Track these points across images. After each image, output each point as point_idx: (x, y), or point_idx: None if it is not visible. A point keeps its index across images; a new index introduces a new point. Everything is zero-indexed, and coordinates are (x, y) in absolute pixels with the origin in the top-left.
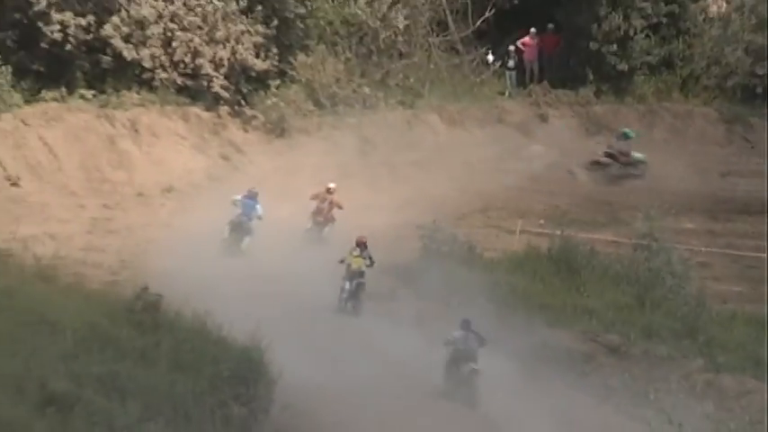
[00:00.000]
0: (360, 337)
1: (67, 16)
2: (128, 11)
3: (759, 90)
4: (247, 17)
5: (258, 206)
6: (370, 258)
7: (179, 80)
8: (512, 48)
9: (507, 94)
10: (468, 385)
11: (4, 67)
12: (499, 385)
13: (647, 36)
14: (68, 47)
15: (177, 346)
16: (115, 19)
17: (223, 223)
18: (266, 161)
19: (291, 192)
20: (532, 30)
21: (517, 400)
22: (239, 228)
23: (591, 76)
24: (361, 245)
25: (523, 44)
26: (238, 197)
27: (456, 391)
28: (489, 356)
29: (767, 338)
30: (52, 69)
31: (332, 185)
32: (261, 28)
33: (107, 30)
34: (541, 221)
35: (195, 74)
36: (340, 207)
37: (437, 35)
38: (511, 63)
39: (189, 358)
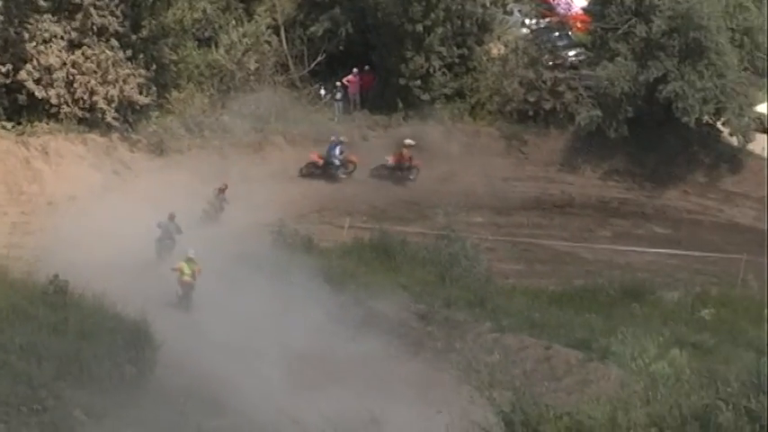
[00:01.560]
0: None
1: None
2: (38, 59)
3: (531, 113)
4: (132, 63)
5: (176, 226)
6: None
7: (79, 113)
8: (338, 84)
9: (336, 119)
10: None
11: None
12: (333, 344)
13: (444, 73)
14: None
15: (82, 320)
16: (28, 66)
17: (114, 223)
18: (149, 175)
19: (170, 197)
20: (354, 69)
21: (347, 357)
22: (164, 247)
23: (401, 105)
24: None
25: (348, 81)
26: (162, 221)
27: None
28: (325, 324)
29: None
30: None
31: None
32: (143, 71)
33: (22, 74)
34: (364, 218)
35: (92, 108)
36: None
37: (281, 75)
38: (338, 95)
39: (91, 329)
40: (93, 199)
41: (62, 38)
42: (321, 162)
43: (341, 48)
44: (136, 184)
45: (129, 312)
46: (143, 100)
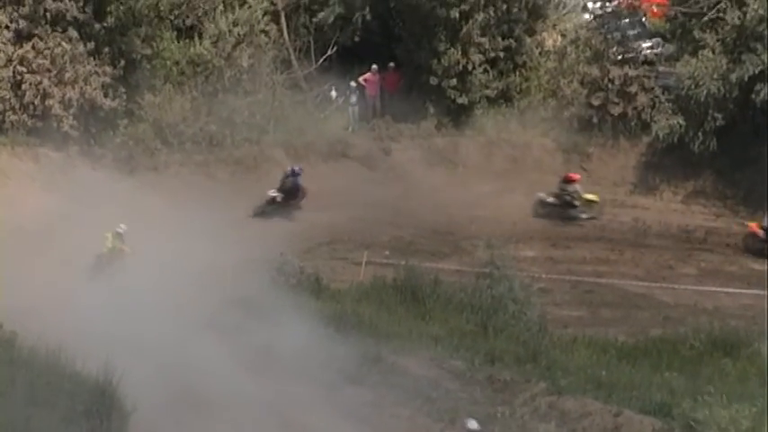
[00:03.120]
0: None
1: None
2: None
3: (595, 120)
4: (95, 59)
5: None
6: None
7: (29, 122)
8: (354, 84)
9: (351, 128)
10: None
11: None
12: (350, 412)
13: (485, 70)
14: None
15: (32, 381)
16: None
17: (73, 262)
18: (115, 200)
19: (142, 229)
20: (374, 66)
21: (365, 429)
22: None
23: (432, 110)
24: None
25: (365, 80)
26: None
27: None
28: (340, 384)
29: None
30: None
31: None
32: (108, 69)
33: None
34: (386, 252)
35: (45, 115)
36: None
37: (281, 73)
38: (353, 99)
39: (44, 393)
40: (45, 231)
41: (7, 27)
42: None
43: (356, 39)
44: (99, 211)
45: (91, 370)
46: (109, 104)
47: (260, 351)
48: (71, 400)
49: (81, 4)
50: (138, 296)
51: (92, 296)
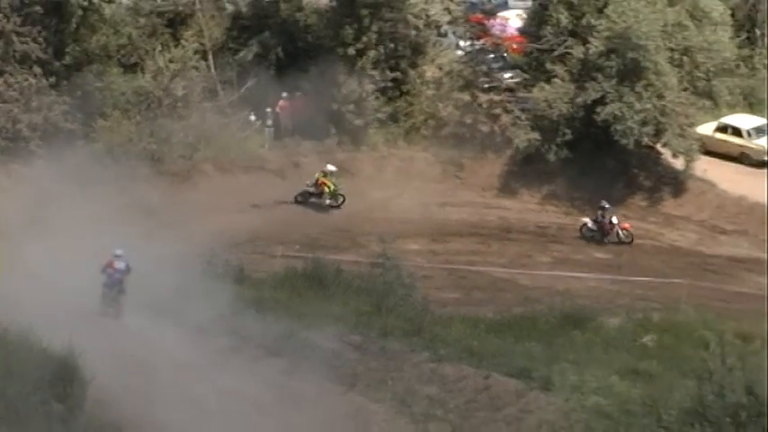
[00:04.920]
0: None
1: None
2: None
3: (467, 137)
4: (56, 90)
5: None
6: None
7: (2, 143)
8: (269, 109)
9: (266, 146)
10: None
11: None
12: (267, 378)
13: (377, 97)
14: None
15: (7, 356)
16: None
17: (42, 257)
18: (76, 207)
19: (96, 231)
20: (284, 94)
21: (281, 392)
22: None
23: (333, 130)
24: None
25: (280, 107)
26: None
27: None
28: (259, 356)
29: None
30: None
31: None
32: (67, 98)
33: None
34: (297, 247)
35: (15, 137)
36: None
37: (209, 100)
38: (269, 122)
39: (17, 367)
40: (16, 233)
41: None
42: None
43: (271, 72)
44: (62, 216)
45: (55, 347)
46: (68, 127)
47: (193, 329)
48: (40, 371)
49: (43, 46)
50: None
51: (61, 282)
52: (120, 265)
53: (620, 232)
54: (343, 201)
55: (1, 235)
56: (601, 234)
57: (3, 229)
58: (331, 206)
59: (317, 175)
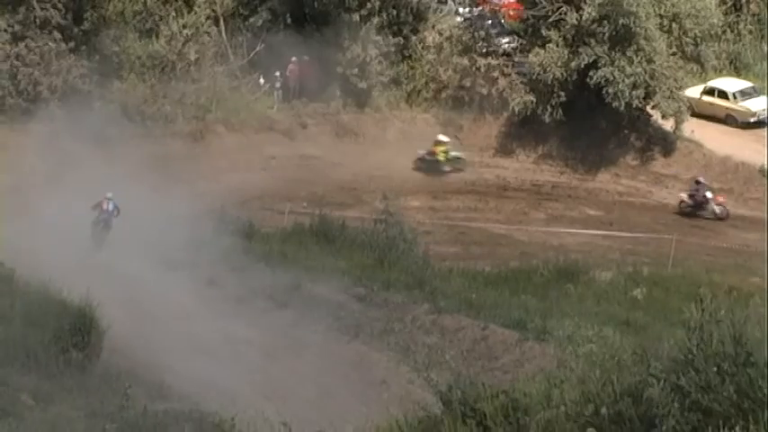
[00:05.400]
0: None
1: None
2: None
3: (466, 99)
4: (75, 54)
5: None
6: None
7: (23, 104)
8: (277, 73)
9: (275, 108)
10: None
11: None
12: (274, 327)
13: (380, 62)
14: None
15: (28, 307)
16: None
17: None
18: (92, 165)
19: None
20: (293, 58)
21: (289, 341)
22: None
23: (338, 93)
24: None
25: (289, 71)
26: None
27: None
28: (268, 307)
29: None
30: None
31: None
32: (86, 62)
33: None
34: (304, 204)
35: (36, 99)
36: None
37: (220, 65)
38: (277, 85)
39: (37, 316)
40: (37, 189)
41: (5, 31)
42: None
43: (280, 37)
44: (80, 173)
45: (74, 299)
46: (86, 89)
47: (204, 281)
48: (59, 321)
49: (63, 12)
50: (111, 239)
51: (79, 237)
52: (108, 206)
53: (714, 207)
54: (462, 162)
55: (22, 191)
56: (696, 208)
57: (24, 186)
58: (449, 171)
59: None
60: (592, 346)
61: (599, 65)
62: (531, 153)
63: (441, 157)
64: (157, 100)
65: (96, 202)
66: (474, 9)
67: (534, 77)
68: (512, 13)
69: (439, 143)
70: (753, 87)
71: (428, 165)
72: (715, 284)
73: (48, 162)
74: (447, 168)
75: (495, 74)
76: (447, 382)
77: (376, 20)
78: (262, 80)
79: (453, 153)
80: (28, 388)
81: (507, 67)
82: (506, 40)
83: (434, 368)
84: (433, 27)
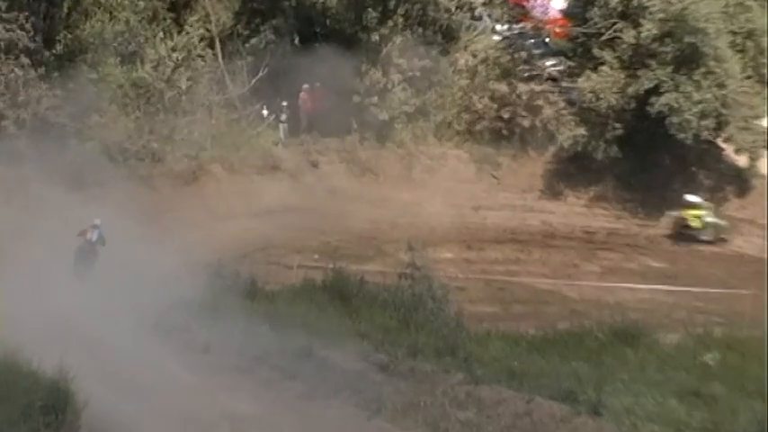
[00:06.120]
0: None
1: None
2: None
3: (504, 132)
4: (46, 82)
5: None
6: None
7: None
8: (285, 103)
9: (281, 144)
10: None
11: None
12: (285, 404)
13: (404, 88)
14: None
15: None
16: None
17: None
18: (66, 211)
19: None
20: (305, 85)
21: (299, 418)
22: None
23: (355, 125)
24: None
25: (302, 100)
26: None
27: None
28: (274, 379)
29: None
30: None
31: None
32: (59, 92)
33: None
34: (316, 256)
35: (0, 135)
36: None
37: (216, 94)
38: (283, 116)
39: (3, 391)
40: (2, 243)
41: None
42: None
43: (286, 61)
44: (53, 223)
45: (46, 370)
46: (60, 123)
47: (201, 348)
48: (29, 396)
49: (31, 33)
50: (93, 298)
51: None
52: (93, 236)
53: None
54: (725, 229)
55: None
56: None
57: None
58: (710, 242)
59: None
60: (655, 422)
61: (661, 90)
62: (582, 195)
63: (695, 223)
64: (143, 136)
65: (82, 228)
66: (514, 26)
67: (585, 106)
68: (558, 30)
69: (691, 206)
70: None
71: (681, 234)
72: None
73: (15, 210)
74: (707, 237)
75: (539, 102)
76: None
77: (399, 40)
78: (265, 111)
79: (710, 219)
80: None
81: (553, 94)
82: (552, 62)
83: None
84: (466, 48)
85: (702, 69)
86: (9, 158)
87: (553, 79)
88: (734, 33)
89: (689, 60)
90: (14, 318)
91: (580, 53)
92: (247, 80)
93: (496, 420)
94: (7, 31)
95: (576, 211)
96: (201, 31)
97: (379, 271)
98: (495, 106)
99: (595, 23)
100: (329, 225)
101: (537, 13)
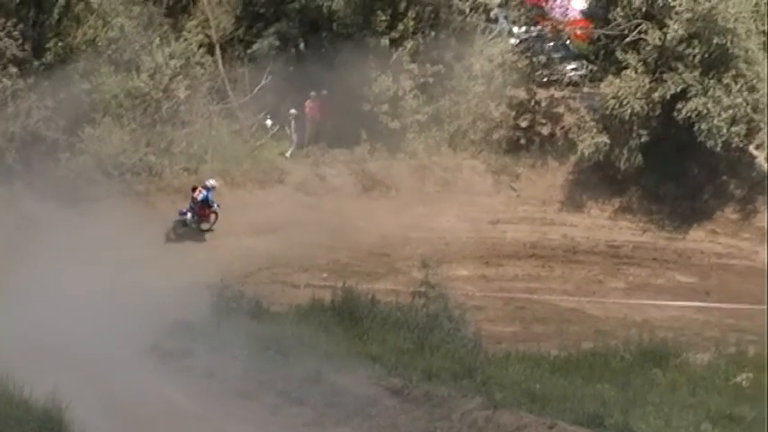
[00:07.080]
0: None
1: None
2: None
3: (523, 141)
4: (35, 93)
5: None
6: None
7: None
8: (293, 111)
9: (286, 155)
10: None
11: None
12: (289, 427)
13: (416, 95)
14: None
15: None
16: None
17: (22, 290)
18: (59, 230)
19: (84, 256)
20: (312, 93)
21: None
22: None
23: (365, 135)
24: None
25: (309, 109)
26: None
27: None
28: (280, 405)
29: None
30: None
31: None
32: (49, 103)
33: None
34: (324, 275)
35: None
36: None
37: (217, 103)
38: (293, 125)
39: None
40: None
41: None
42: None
43: (291, 68)
44: (44, 243)
45: (38, 398)
46: (51, 137)
47: (203, 373)
48: (20, 427)
49: (20, 42)
50: (87, 321)
51: (45, 320)
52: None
53: None
54: None
55: None
56: None
57: None
58: None
59: None
60: None
61: (689, 95)
62: (606, 207)
63: None
64: (139, 149)
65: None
66: (532, 28)
67: (608, 113)
68: (579, 32)
69: None
70: None
71: None
72: None
73: (4, 229)
74: None
75: (560, 109)
76: None
77: (410, 44)
78: (269, 121)
79: None
80: None
81: (574, 100)
82: (573, 66)
83: None
84: (482, 52)
85: (732, 72)
86: None
87: (574, 84)
88: (765, 34)
89: (718, 63)
90: (3, 341)
91: (602, 56)
92: (250, 89)
93: None
94: None
95: (599, 224)
96: (201, 36)
97: (391, 290)
98: (513, 114)
99: (618, 25)
100: (338, 241)
101: (556, 14)
